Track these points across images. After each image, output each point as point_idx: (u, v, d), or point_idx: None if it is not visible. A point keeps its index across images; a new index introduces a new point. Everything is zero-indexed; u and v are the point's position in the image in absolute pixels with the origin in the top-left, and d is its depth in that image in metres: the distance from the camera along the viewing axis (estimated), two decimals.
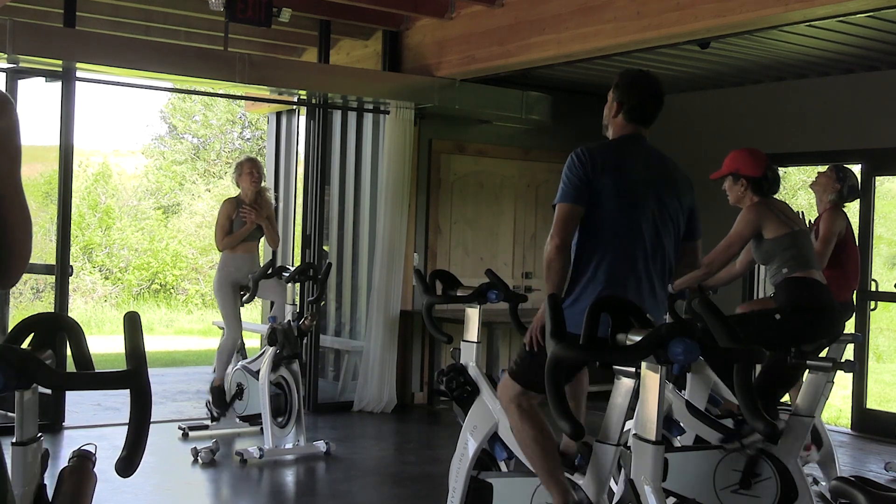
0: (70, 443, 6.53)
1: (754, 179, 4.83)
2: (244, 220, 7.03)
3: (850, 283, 6.11)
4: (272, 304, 7.32)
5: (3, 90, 1.82)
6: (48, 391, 6.17)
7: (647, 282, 3.59)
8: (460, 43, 7.55)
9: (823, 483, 5.27)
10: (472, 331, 4.47)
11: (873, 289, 7.83)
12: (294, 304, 6.78)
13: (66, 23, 6.80)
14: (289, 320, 6.56)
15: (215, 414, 6.97)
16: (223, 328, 7.55)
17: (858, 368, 7.47)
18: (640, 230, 3.57)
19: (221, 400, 6.93)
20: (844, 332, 5.17)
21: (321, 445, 6.47)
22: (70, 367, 2.42)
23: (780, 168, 5.08)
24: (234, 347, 7.07)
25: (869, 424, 7.75)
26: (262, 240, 7.32)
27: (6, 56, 6.38)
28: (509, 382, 3.76)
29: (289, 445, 6.48)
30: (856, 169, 8.23)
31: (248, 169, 7.12)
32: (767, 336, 4.57)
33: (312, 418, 7.58)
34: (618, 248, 3.54)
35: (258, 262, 7.26)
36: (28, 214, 1.88)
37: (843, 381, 8.57)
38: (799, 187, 17.13)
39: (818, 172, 6.23)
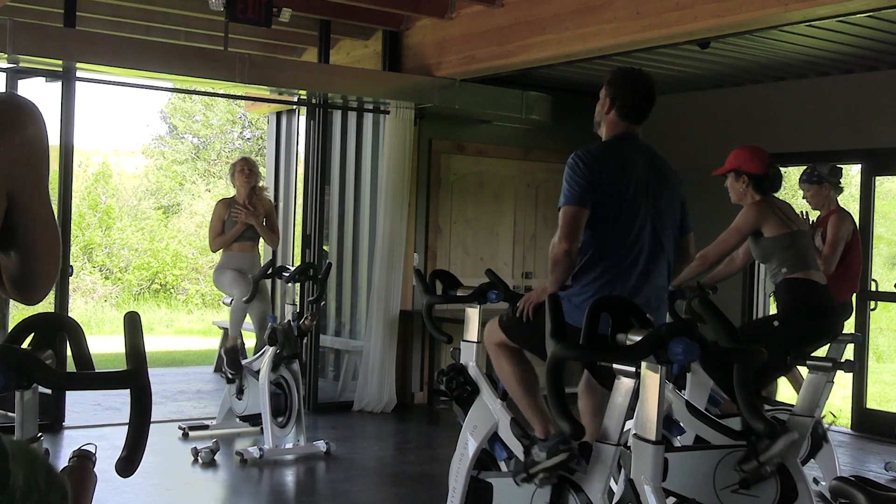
0: (70, 443, 6.53)
1: (756, 177, 4.82)
2: (235, 220, 7.03)
3: (852, 285, 6.11)
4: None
5: (27, 98, 1.74)
6: (48, 391, 6.18)
7: (648, 282, 3.59)
8: (460, 43, 7.54)
9: (823, 483, 5.27)
10: (472, 331, 4.47)
11: (873, 289, 7.82)
12: (294, 304, 6.78)
13: (66, 23, 6.80)
14: (289, 320, 6.56)
15: (230, 375, 6.83)
16: (224, 328, 7.54)
17: (858, 368, 7.46)
18: (640, 230, 3.58)
19: (236, 360, 6.82)
20: (844, 332, 5.17)
21: (321, 445, 6.47)
22: (70, 367, 2.42)
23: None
24: (244, 306, 6.97)
25: (869, 424, 7.74)
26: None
27: (6, 56, 6.38)
28: (496, 329, 3.90)
29: (289, 445, 6.48)
30: (855, 169, 8.24)
31: (241, 167, 7.17)
32: (768, 342, 4.56)
33: (312, 418, 7.57)
34: (619, 249, 3.55)
35: (259, 261, 7.27)
36: (56, 230, 1.76)
37: (843, 381, 8.57)
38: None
39: (800, 185, 6.26)
